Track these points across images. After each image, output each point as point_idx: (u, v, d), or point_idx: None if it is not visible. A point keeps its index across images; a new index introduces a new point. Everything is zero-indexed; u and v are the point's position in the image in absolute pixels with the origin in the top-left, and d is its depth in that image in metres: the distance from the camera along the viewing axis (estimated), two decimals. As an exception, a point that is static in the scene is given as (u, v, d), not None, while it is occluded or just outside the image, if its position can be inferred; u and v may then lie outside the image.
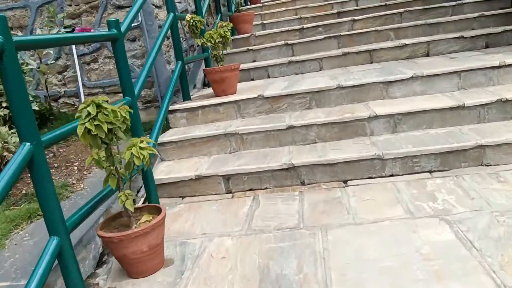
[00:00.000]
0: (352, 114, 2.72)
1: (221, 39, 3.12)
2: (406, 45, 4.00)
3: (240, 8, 4.98)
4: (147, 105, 3.64)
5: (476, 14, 4.23)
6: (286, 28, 4.76)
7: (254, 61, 4.54)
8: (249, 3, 6.72)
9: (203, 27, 3.18)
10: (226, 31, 3.10)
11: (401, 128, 2.69)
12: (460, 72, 2.93)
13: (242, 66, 4.20)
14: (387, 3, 5.54)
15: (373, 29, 4.36)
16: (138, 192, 2.57)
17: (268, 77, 4.20)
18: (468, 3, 4.61)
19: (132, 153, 1.63)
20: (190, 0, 4.59)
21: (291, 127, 2.76)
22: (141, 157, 1.63)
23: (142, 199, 2.50)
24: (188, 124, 3.19)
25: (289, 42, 4.45)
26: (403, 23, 4.50)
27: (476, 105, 2.62)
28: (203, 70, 3.33)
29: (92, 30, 3.40)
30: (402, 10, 4.64)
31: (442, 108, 2.64)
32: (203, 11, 4.16)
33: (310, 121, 2.74)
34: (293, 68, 4.16)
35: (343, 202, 2.21)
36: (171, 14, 3.10)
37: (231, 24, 3.26)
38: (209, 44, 3.15)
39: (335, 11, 5.57)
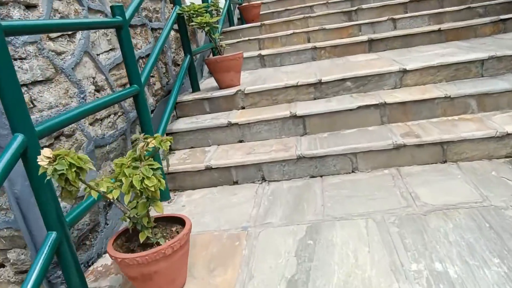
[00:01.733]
0: None
1: (144, 201, 1.34)
2: (508, 134, 2.23)
3: (221, 46, 3.12)
4: (21, 277, 1.91)
5: None
6: (294, 82, 2.96)
7: (241, 141, 2.78)
8: (244, 22, 4.89)
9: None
10: (151, 181, 1.30)
11: None
12: None
13: (219, 162, 2.45)
14: (442, 27, 3.72)
15: (442, 94, 2.56)
16: None
17: (263, 179, 2.46)
18: None
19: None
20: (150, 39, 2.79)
21: None
22: None
23: None
24: None
25: (299, 112, 2.66)
26: (487, 82, 2.69)
27: None
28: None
29: None
30: (485, 55, 2.80)
31: None
32: (143, 79, 2.34)
33: None
34: (305, 166, 2.41)
35: None
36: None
37: (169, 143, 1.46)
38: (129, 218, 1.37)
39: (365, 38, 3.76)
